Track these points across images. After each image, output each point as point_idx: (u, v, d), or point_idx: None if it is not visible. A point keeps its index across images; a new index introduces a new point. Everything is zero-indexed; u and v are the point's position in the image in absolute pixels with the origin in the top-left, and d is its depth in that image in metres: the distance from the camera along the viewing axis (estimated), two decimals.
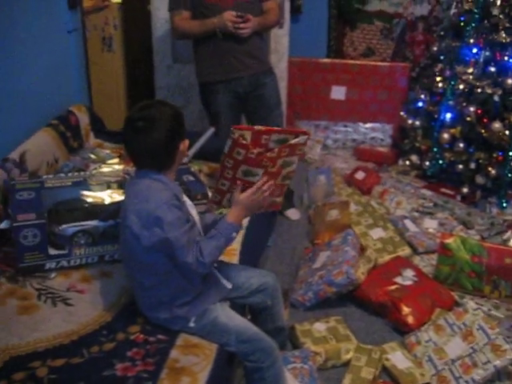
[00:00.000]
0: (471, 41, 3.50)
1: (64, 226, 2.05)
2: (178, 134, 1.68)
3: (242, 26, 2.71)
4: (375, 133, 4.27)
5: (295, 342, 2.27)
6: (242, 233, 2.34)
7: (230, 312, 1.79)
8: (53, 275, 2.02)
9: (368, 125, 4.27)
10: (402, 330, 2.37)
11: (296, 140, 1.72)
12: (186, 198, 1.80)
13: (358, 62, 4.32)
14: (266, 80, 2.98)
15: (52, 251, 2.03)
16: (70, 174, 2.24)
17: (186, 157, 1.83)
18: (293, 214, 3.26)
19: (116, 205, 2.06)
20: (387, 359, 2.17)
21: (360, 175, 3.67)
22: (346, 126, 4.29)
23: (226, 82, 2.89)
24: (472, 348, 2.09)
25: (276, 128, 1.77)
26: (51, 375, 1.55)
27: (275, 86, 3.07)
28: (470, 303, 2.31)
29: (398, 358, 2.17)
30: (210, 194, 2.22)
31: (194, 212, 1.80)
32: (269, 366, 1.73)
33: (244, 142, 1.64)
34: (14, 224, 1.96)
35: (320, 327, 2.31)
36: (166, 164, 1.69)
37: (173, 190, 1.68)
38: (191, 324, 1.73)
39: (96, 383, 1.53)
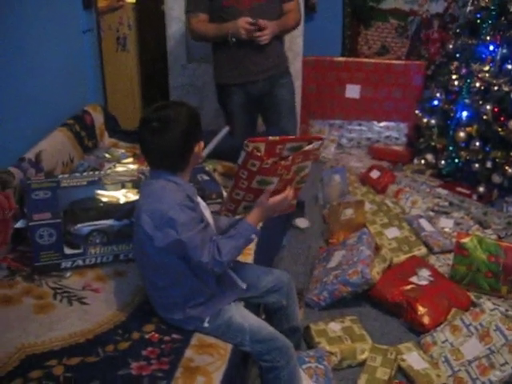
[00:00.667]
0: (488, 38, 3.46)
1: (79, 225, 2.06)
2: (193, 135, 1.67)
3: (258, 34, 2.68)
4: (390, 131, 4.24)
5: (310, 341, 2.26)
6: None
7: (245, 311, 1.79)
8: (68, 274, 2.03)
9: (383, 123, 4.24)
10: (417, 330, 2.36)
11: (310, 146, 1.71)
12: (199, 200, 1.79)
13: (372, 61, 4.29)
14: (282, 81, 2.98)
15: (67, 250, 2.04)
16: (85, 174, 2.25)
17: (200, 158, 1.82)
18: (302, 222, 3.23)
19: (130, 204, 2.07)
20: (403, 360, 2.15)
21: (375, 174, 3.65)
22: (360, 125, 4.26)
23: (242, 84, 2.91)
24: (489, 349, 2.07)
25: (290, 137, 1.76)
26: (67, 373, 1.55)
27: (290, 86, 3.06)
28: (487, 303, 2.28)
29: (413, 359, 2.15)
30: (224, 194, 2.22)
31: (207, 213, 1.80)
32: (284, 365, 1.73)
33: (258, 153, 1.61)
34: (30, 223, 1.97)
35: (335, 327, 2.30)
36: (180, 165, 1.69)
37: (186, 191, 1.68)
38: (205, 324, 1.73)
39: (111, 382, 1.53)
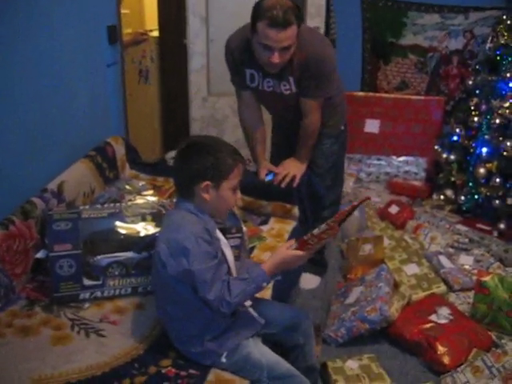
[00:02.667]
0: (508, 75, 3.47)
1: (99, 256, 2.07)
2: (208, 171, 1.67)
3: (285, 182, 2.54)
4: (409, 166, 4.23)
5: (327, 379, 2.23)
6: None
7: (263, 348, 1.78)
8: (86, 305, 2.04)
9: (401, 158, 4.24)
10: (437, 370, 2.31)
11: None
12: (220, 236, 1.80)
13: (391, 96, 4.32)
14: (323, 141, 2.73)
15: (86, 281, 2.05)
16: (105, 205, 2.27)
17: (230, 205, 1.80)
18: (310, 281, 3.00)
19: (150, 237, 2.09)
20: None
21: (393, 209, 3.63)
22: (379, 160, 4.26)
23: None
24: None
25: (352, 207, 1.74)
26: None
27: (328, 150, 2.76)
28: (510, 344, 2.24)
29: None
30: (244, 228, 2.22)
31: (227, 251, 1.79)
32: None
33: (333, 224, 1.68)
34: (51, 254, 1.99)
35: (353, 365, 2.27)
36: (186, 193, 1.72)
37: (206, 224, 1.69)
38: (223, 359, 1.72)
39: None
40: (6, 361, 1.72)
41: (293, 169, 2.59)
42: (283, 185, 2.54)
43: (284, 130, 2.84)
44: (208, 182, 1.67)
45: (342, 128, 2.83)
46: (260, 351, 1.74)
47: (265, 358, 1.72)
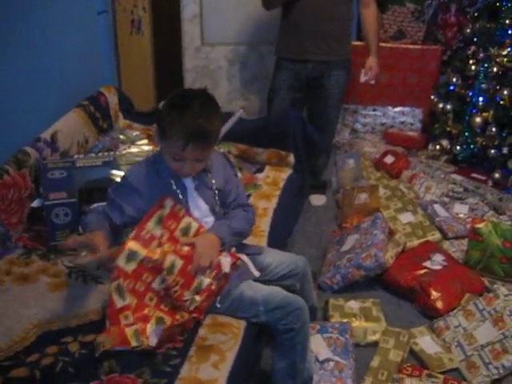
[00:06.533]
0: (507, 22, 3.41)
1: (94, 204, 2.07)
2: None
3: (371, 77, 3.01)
4: (405, 117, 4.20)
5: (325, 314, 2.30)
6: (270, 215, 2.34)
7: (254, 284, 1.77)
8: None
9: (397, 109, 4.20)
10: (430, 314, 2.35)
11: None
12: (189, 185, 1.75)
13: (388, 45, 4.23)
14: (333, 72, 2.95)
15: (82, 230, 2.05)
16: (100, 154, 2.26)
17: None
18: (318, 199, 3.30)
19: None
20: (415, 343, 2.15)
21: (389, 159, 3.62)
22: (375, 110, 4.22)
23: (294, 61, 2.93)
24: (503, 334, 2.06)
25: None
26: (82, 350, 1.58)
27: (341, 80, 3.02)
28: (502, 289, 2.26)
29: (426, 343, 2.16)
30: (239, 175, 2.22)
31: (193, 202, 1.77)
32: (300, 327, 1.72)
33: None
34: (46, 202, 1.99)
35: (353, 305, 2.33)
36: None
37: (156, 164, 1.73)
38: (217, 305, 1.73)
39: (126, 358, 1.54)
40: (7, 307, 1.73)
41: (374, 66, 3.08)
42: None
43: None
44: (156, 128, 1.69)
45: (350, 58, 3.06)
46: (252, 288, 1.74)
47: (258, 294, 1.72)
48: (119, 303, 1.59)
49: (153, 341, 1.56)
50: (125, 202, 1.69)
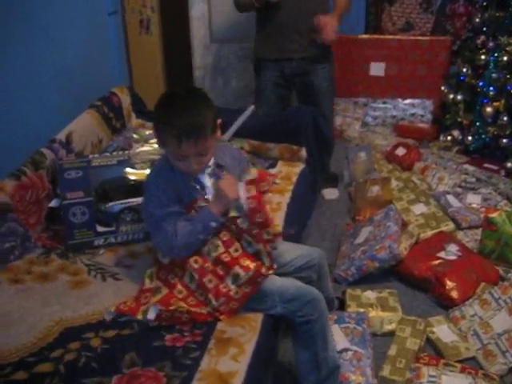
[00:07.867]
0: None
1: (111, 203, 2.11)
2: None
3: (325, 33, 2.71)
4: (415, 109, 4.20)
5: (342, 304, 2.32)
6: (284, 209, 2.36)
7: (270, 276, 1.78)
8: (101, 251, 2.08)
9: (408, 101, 4.21)
10: (445, 304, 2.36)
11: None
12: (208, 183, 1.77)
13: (397, 37, 4.23)
14: (318, 67, 2.95)
15: (100, 228, 2.09)
16: (114, 153, 2.29)
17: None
18: (330, 193, 3.31)
19: None
20: (432, 332, 2.16)
21: (400, 151, 3.63)
22: (385, 103, 4.23)
23: (276, 60, 2.93)
24: None
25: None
26: (104, 345, 1.61)
27: (327, 75, 3.02)
28: None
29: (443, 332, 2.17)
30: (253, 170, 2.24)
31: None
32: (316, 318, 1.74)
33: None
34: (64, 202, 2.02)
35: (370, 295, 2.35)
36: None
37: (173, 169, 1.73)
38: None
39: (146, 353, 1.57)
40: (28, 305, 1.77)
41: (330, 20, 2.74)
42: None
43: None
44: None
45: (330, 47, 3.00)
46: (268, 280, 1.75)
47: (274, 285, 1.74)
48: (147, 285, 1.78)
49: (151, 314, 1.66)
50: (171, 204, 1.70)
